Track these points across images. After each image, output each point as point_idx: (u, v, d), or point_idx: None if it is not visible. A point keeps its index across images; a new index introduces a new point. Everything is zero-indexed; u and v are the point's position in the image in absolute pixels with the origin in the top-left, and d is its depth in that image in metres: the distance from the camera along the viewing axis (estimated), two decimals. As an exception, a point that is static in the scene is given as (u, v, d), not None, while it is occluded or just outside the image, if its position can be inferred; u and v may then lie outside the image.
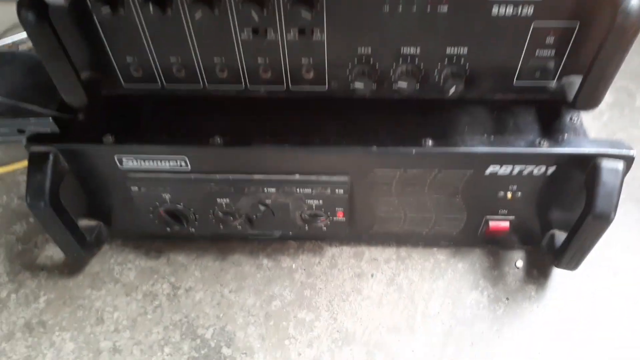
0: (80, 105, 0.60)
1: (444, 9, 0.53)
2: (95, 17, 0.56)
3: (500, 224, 0.69)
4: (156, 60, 0.60)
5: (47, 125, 0.67)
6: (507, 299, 0.71)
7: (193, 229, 0.71)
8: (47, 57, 0.54)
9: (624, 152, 0.59)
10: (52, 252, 0.77)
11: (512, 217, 0.69)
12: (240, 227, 0.70)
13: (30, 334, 0.70)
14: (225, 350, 0.68)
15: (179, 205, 0.67)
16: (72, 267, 0.76)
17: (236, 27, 0.56)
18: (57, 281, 0.74)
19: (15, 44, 0.98)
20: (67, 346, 0.69)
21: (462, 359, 0.67)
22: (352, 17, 0.55)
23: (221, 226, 0.70)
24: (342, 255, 0.76)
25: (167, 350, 0.68)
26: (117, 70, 0.61)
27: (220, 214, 0.68)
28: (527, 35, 0.55)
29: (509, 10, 0.52)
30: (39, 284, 0.74)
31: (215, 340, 0.69)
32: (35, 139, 0.62)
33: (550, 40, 0.55)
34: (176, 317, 0.71)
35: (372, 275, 0.74)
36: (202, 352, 0.68)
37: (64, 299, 0.73)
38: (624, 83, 0.97)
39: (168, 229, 0.71)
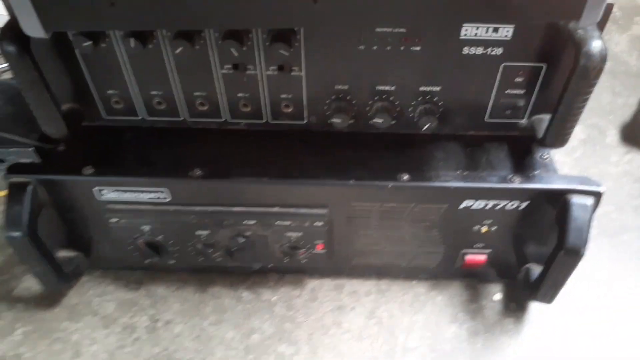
0: (60, 136, 0.60)
1: (417, 47, 0.55)
2: (76, 51, 0.57)
3: (477, 257, 0.70)
4: (137, 93, 0.61)
5: (28, 155, 0.67)
6: (486, 332, 0.71)
7: (173, 261, 0.71)
8: (28, 89, 0.54)
9: (593, 188, 0.60)
10: (30, 284, 0.76)
11: (488, 251, 0.70)
12: (220, 259, 0.70)
13: (5, 368, 0.69)
14: (203, 385, 0.67)
15: (158, 237, 0.68)
16: (49, 299, 0.75)
17: (216, 62, 0.57)
18: (34, 313, 0.74)
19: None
20: (42, 380, 0.68)
21: (440, 393, 0.67)
22: (330, 55, 0.56)
23: (201, 258, 0.70)
24: (322, 288, 0.76)
25: (144, 384, 0.67)
26: (98, 102, 0.62)
27: (199, 245, 0.68)
28: (497, 75, 0.57)
29: (479, 50, 0.54)
30: (16, 316, 0.73)
31: (193, 374, 0.68)
32: (15, 169, 0.63)
33: (519, 80, 0.57)
34: (155, 350, 0.70)
35: (352, 308, 0.74)
36: (180, 386, 0.67)
37: (40, 331, 0.72)
38: (595, 120, 1.00)
39: (147, 260, 0.71)
